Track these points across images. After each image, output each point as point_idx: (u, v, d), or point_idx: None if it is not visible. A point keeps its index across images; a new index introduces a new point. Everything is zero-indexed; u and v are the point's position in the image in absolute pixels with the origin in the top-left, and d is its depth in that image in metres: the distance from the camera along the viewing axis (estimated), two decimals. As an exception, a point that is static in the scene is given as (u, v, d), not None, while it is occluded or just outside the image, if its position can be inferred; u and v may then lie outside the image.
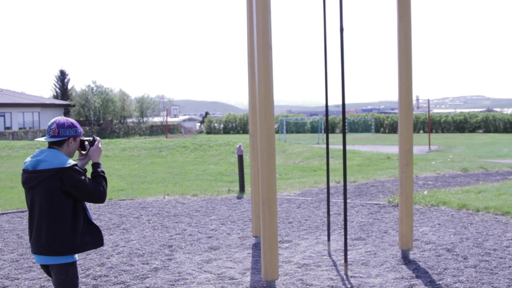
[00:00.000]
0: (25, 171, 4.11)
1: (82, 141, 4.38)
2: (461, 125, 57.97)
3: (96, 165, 4.29)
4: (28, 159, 4.15)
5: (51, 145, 4.18)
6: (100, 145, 4.37)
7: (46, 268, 4.25)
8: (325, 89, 7.11)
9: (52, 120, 4.22)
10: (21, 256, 7.38)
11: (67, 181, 3.99)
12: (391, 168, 19.58)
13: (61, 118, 4.22)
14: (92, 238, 4.20)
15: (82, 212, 4.15)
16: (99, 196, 4.12)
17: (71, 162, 4.06)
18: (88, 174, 4.26)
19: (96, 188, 4.10)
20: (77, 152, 4.44)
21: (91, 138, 4.43)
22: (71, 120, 4.26)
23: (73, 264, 4.14)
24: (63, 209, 4.01)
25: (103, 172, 4.27)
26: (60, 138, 4.16)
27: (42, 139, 4.24)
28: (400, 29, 6.65)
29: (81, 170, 4.12)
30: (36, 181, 4.01)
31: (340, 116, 59.99)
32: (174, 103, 73.42)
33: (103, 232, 8.74)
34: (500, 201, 10.32)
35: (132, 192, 14.07)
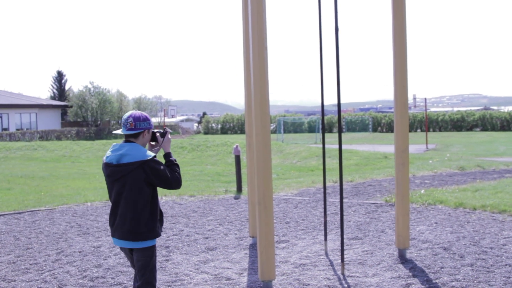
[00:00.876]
0: (109, 165, 4.39)
1: (154, 133, 4.65)
2: (458, 124, 58.03)
3: (168, 155, 4.60)
4: (109, 153, 4.43)
5: (128, 137, 4.47)
6: (169, 136, 4.69)
7: (126, 251, 4.55)
8: (321, 88, 7.12)
9: (128, 114, 4.45)
10: (18, 258, 7.37)
11: (150, 172, 4.30)
12: (388, 167, 19.60)
13: (136, 112, 4.47)
14: (161, 224, 4.59)
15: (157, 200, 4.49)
16: (177, 183, 4.45)
17: (150, 154, 4.36)
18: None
19: (173, 175, 4.44)
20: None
21: (162, 130, 4.73)
22: (145, 113, 4.52)
23: (155, 246, 4.51)
24: (145, 198, 4.34)
25: (175, 160, 4.59)
26: (136, 130, 4.43)
27: (119, 131, 4.51)
28: (395, 28, 6.66)
29: (159, 160, 4.41)
30: (122, 173, 4.31)
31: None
32: (172, 103, 73.41)
33: (99, 234, 8.77)
34: (497, 199, 10.34)
35: (130, 193, 14.06)
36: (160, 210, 4.55)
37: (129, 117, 4.42)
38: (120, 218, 4.37)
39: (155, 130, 4.67)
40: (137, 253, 4.44)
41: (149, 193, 4.37)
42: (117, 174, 4.34)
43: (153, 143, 4.72)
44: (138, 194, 4.32)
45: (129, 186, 4.31)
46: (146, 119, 4.49)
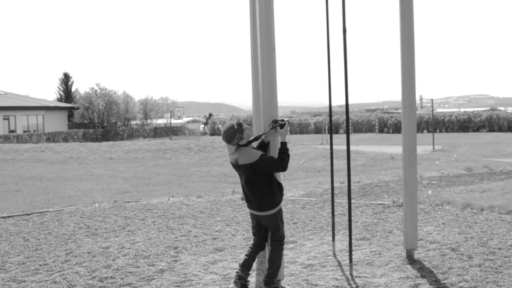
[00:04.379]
0: (232, 164, 5.71)
1: (276, 121, 5.70)
2: (465, 125, 57.85)
3: (282, 144, 5.64)
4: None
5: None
6: (287, 128, 5.67)
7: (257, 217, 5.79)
8: (329, 89, 7.13)
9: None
10: (28, 259, 7.41)
11: (259, 168, 5.46)
12: (395, 168, 19.60)
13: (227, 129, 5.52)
14: (282, 194, 5.75)
15: (274, 178, 5.63)
16: (281, 168, 5.49)
17: (257, 155, 5.44)
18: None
19: (277, 162, 5.49)
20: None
21: (283, 121, 5.67)
22: (235, 124, 5.50)
23: (279, 210, 5.73)
24: (262, 180, 5.52)
25: (287, 149, 5.60)
26: (235, 143, 5.54)
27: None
28: (403, 29, 6.66)
29: (264, 154, 5.49)
30: (240, 170, 5.62)
31: (344, 117, 59.96)
32: (178, 104, 73.44)
33: (108, 234, 8.81)
34: (504, 200, 10.32)
35: (137, 194, 14.12)
36: (280, 183, 5.74)
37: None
38: (249, 197, 5.72)
39: (278, 119, 5.75)
40: (267, 219, 5.71)
41: (265, 176, 5.55)
42: (238, 170, 5.76)
43: (271, 130, 5.77)
44: (255, 180, 5.59)
45: (247, 176, 5.61)
46: (237, 132, 5.54)
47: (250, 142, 5.60)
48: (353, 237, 7.92)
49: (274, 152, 5.81)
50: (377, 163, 22.67)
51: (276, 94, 5.87)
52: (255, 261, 7.00)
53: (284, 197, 6.20)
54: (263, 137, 5.74)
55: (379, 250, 7.35)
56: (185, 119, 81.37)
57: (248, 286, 5.86)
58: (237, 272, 5.74)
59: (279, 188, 5.68)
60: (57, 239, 8.60)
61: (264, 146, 5.87)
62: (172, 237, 8.52)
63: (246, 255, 5.86)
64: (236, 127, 5.43)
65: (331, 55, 7.12)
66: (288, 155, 5.54)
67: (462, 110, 78.17)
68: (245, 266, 5.78)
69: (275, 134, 5.73)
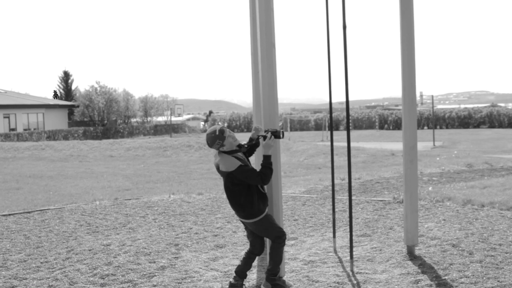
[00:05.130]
0: (215, 167, 5.61)
1: (266, 131, 5.56)
2: (466, 121, 57.85)
3: (265, 157, 5.45)
4: None
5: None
6: (270, 142, 5.46)
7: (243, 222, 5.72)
8: (329, 86, 7.13)
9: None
10: (29, 256, 7.42)
11: (236, 178, 5.37)
12: (395, 164, 19.61)
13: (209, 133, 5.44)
14: (265, 204, 5.53)
15: (255, 188, 5.45)
16: (259, 181, 5.35)
17: (235, 165, 5.32)
18: None
19: (257, 175, 5.34)
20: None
21: (267, 135, 5.48)
22: (218, 130, 5.40)
23: (264, 217, 5.52)
24: (240, 191, 5.41)
25: (269, 163, 5.41)
26: (216, 148, 5.49)
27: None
28: (403, 25, 6.66)
29: (243, 165, 5.34)
30: (221, 175, 5.55)
31: (344, 113, 59.94)
32: (178, 102, 73.39)
33: (109, 232, 8.82)
34: (505, 196, 10.33)
35: (138, 192, 14.13)
36: (263, 193, 5.53)
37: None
38: (232, 206, 5.64)
39: (262, 134, 5.60)
40: (252, 226, 5.63)
41: (244, 186, 5.41)
42: (220, 175, 5.68)
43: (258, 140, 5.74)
44: (232, 190, 5.50)
45: (226, 184, 5.54)
46: (217, 138, 5.43)
47: (234, 151, 5.49)
48: (353, 233, 7.93)
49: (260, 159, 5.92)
50: (377, 159, 22.69)
51: (276, 90, 5.87)
52: (256, 258, 7.02)
53: (284, 194, 6.19)
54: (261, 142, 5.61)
55: (379, 247, 7.36)
56: (185, 117, 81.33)
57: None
58: (231, 279, 5.79)
59: (262, 198, 5.51)
60: (58, 237, 8.61)
61: (252, 149, 5.90)
62: (173, 234, 8.53)
63: (240, 261, 5.85)
64: (217, 133, 5.36)
65: (331, 51, 7.11)
66: (270, 169, 5.39)
67: (462, 106, 78.14)
68: (238, 273, 5.77)
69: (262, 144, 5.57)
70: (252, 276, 6.34)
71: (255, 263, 6.86)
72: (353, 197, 11.15)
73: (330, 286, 5.82)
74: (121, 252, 7.50)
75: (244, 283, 5.80)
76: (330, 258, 6.91)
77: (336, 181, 13.40)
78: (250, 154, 5.89)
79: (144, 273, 6.50)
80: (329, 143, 18.50)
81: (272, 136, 5.45)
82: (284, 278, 6.07)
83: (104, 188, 15.45)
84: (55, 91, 73.50)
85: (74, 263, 7.01)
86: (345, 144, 6.87)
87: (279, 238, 5.57)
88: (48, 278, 6.42)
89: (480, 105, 74.90)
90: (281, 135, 5.50)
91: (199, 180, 16.64)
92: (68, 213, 10.71)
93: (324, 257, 6.96)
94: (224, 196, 12.30)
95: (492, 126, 56.12)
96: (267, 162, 5.41)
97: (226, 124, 67.68)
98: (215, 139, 5.37)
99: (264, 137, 5.47)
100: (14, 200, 13.10)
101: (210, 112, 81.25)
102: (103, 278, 6.35)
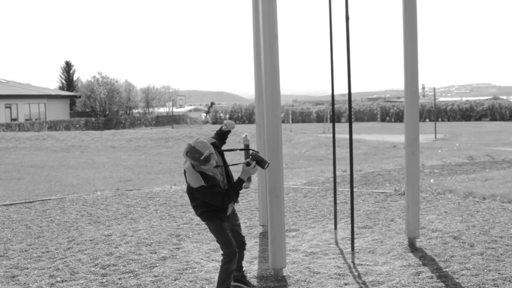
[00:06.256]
0: (183, 171, 5.25)
1: (252, 154, 5.11)
2: (467, 113, 57.72)
3: (238, 180, 5.09)
4: None
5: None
6: (252, 171, 5.08)
7: None
8: (331, 78, 7.10)
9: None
10: (30, 246, 7.44)
11: (196, 195, 5.12)
12: (397, 156, 19.59)
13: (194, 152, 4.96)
14: (221, 217, 5.24)
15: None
16: (219, 202, 5.05)
17: (197, 183, 4.99)
18: None
19: (216, 196, 5.02)
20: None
21: (251, 163, 5.06)
22: (204, 157, 4.93)
23: (213, 224, 5.23)
24: (198, 199, 5.17)
25: (239, 187, 5.09)
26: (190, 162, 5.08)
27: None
28: (406, 17, 6.63)
29: (205, 186, 4.99)
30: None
31: (346, 105, 59.87)
32: (180, 93, 73.22)
33: (110, 222, 8.82)
34: (506, 188, 10.32)
35: (139, 183, 14.13)
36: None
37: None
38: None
39: (244, 162, 5.12)
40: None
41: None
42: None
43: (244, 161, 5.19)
44: (193, 199, 5.28)
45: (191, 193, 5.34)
46: (195, 157, 4.98)
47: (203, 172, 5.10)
48: (355, 225, 7.93)
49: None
50: (379, 151, 22.67)
51: (278, 82, 5.85)
52: (258, 249, 7.03)
53: (286, 185, 6.12)
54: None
55: (381, 238, 7.36)
56: (187, 108, 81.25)
57: (246, 276, 5.85)
58: None
59: (221, 212, 5.23)
60: (60, 227, 8.63)
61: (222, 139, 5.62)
62: (174, 225, 8.54)
63: None
64: (202, 158, 4.91)
65: (334, 43, 7.09)
66: (237, 193, 5.08)
67: (464, 99, 78.01)
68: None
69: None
70: (254, 267, 6.35)
71: (256, 254, 6.88)
72: (354, 189, 11.15)
73: (331, 278, 5.83)
74: (122, 242, 7.51)
75: (245, 274, 5.78)
76: (331, 250, 6.92)
77: (337, 173, 13.39)
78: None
79: (145, 263, 6.51)
80: (330, 135, 18.43)
81: (256, 166, 5.06)
82: (285, 269, 6.07)
83: (105, 178, 15.45)
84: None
85: (75, 253, 7.02)
86: (347, 136, 6.86)
87: (224, 254, 5.22)
88: (49, 268, 6.43)
89: (482, 98, 74.68)
90: (265, 166, 5.11)
91: (200, 171, 16.61)
92: (69, 203, 10.73)
93: (325, 249, 6.97)
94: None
95: (493, 119, 56.01)
96: (239, 186, 5.07)
97: (228, 116, 67.62)
98: (196, 160, 4.95)
99: (248, 163, 5.03)
100: (16, 190, 13.12)
101: (212, 104, 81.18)
102: (104, 268, 6.36)
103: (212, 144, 5.27)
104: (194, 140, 5.01)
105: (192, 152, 4.92)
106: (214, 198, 5.03)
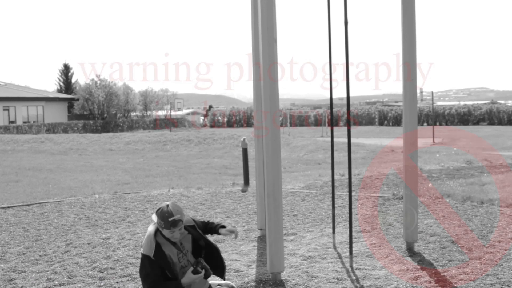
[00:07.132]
0: None
1: (197, 263, 4.45)
2: (465, 118, 57.74)
3: (177, 284, 4.36)
4: None
5: None
6: (196, 279, 4.39)
7: None
8: (330, 82, 7.11)
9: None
10: (28, 249, 7.42)
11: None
12: (395, 160, 19.58)
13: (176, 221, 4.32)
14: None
15: None
16: (144, 283, 4.39)
17: (144, 251, 4.34)
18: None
19: (146, 279, 4.35)
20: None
21: (200, 272, 4.38)
22: (171, 208, 4.31)
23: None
24: None
25: (178, 286, 4.36)
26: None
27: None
28: (404, 21, 6.64)
29: (145, 260, 4.34)
30: None
31: (344, 109, 59.88)
32: (178, 96, 73.18)
33: (108, 225, 8.81)
34: (504, 193, 10.33)
35: (137, 186, 14.11)
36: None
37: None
38: None
39: (194, 268, 4.40)
40: None
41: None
42: None
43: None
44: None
45: None
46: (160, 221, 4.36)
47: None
48: (353, 229, 7.92)
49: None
50: (377, 155, 22.66)
51: (277, 86, 5.85)
52: (256, 253, 7.03)
53: (284, 189, 6.10)
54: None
55: (379, 243, 7.36)
56: (185, 111, 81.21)
57: None
58: None
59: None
60: (57, 230, 8.61)
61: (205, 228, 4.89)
62: (172, 229, 8.52)
63: None
64: (170, 219, 4.27)
65: (332, 47, 7.09)
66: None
67: (462, 103, 78.04)
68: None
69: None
70: (252, 271, 6.34)
71: (254, 258, 6.87)
72: (352, 193, 11.14)
73: (329, 282, 5.82)
74: (120, 246, 7.50)
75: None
76: (329, 254, 6.91)
77: (335, 177, 13.38)
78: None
79: (143, 267, 6.50)
80: (328, 139, 18.43)
81: (203, 276, 4.43)
82: (283, 273, 6.07)
83: (103, 181, 15.43)
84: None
85: (73, 257, 7.01)
86: (345, 140, 6.86)
87: None
88: (47, 271, 6.42)
89: (479, 102, 74.72)
90: (208, 277, 4.51)
91: (198, 174, 16.61)
92: (67, 206, 10.71)
93: (323, 253, 6.96)
94: (224, 191, 12.30)
95: (491, 123, 56.04)
96: (177, 285, 4.37)
97: (226, 119, 67.54)
98: (162, 219, 4.30)
99: (197, 271, 4.38)
100: (13, 193, 13.09)
101: (210, 107, 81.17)
102: (102, 272, 6.35)
103: (190, 226, 4.59)
104: (171, 202, 4.43)
105: (163, 211, 4.29)
106: (145, 279, 4.37)
